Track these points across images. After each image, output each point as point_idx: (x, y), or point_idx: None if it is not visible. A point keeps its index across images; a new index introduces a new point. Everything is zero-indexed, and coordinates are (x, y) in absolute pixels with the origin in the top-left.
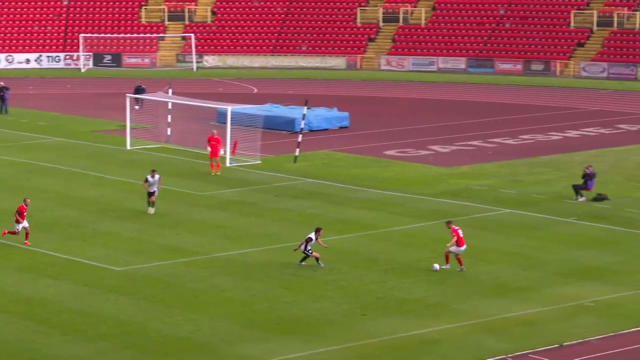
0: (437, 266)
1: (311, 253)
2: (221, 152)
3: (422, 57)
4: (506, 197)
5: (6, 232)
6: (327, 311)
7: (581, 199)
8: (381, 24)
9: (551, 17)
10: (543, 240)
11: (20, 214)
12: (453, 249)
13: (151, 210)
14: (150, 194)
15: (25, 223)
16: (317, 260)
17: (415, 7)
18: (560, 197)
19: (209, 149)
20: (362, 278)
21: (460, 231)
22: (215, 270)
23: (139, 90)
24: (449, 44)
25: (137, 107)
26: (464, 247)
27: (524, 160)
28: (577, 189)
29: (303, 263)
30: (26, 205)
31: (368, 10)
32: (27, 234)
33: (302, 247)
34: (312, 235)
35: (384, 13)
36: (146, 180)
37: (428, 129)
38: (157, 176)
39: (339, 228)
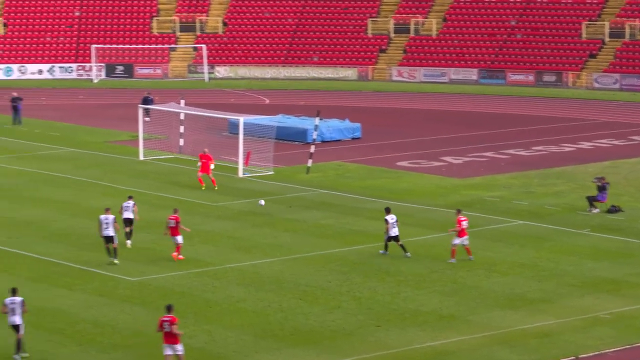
0: (262, 202)
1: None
2: (212, 167)
3: (434, 68)
4: (519, 208)
5: (175, 254)
6: (341, 322)
7: (595, 211)
8: (392, 35)
9: (562, 28)
10: (557, 252)
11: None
12: (456, 241)
13: (129, 242)
14: (127, 222)
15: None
16: (404, 248)
17: (426, 18)
18: (573, 209)
19: (199, 164)
20: (376, 289)
21: (465, 223)
22: (228, 280)
23: (146, 100)
24: (460, 55)
25: (147, 118)
26: (465, 237)
27: (536, 172)
28: (591, 201)
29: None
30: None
31: (379, 21)
32: (178, 247)
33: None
34: (387, 218)
35: (394, 24)
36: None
37: (440, 140)
38: (132, 202)
39: (352, 239)
